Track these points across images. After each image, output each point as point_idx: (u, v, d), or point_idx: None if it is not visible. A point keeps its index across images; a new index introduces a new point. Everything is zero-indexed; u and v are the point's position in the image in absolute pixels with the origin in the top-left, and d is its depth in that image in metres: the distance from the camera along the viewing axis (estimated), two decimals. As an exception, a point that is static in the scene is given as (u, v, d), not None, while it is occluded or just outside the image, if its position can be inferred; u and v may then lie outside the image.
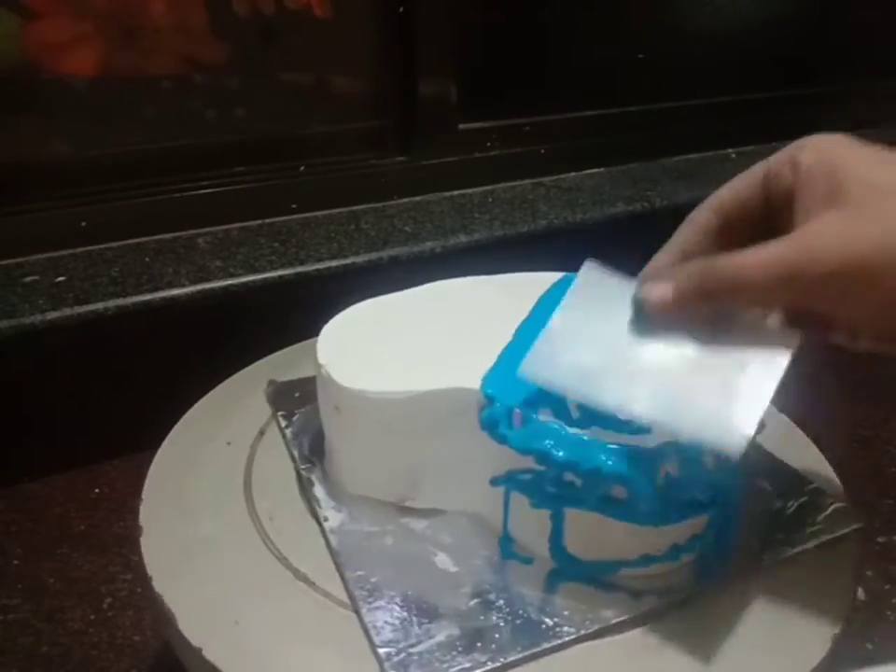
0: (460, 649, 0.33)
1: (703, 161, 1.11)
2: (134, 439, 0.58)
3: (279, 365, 0.55)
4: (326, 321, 0.45)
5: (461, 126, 0.96)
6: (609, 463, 0.33)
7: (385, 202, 0.92)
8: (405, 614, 0.34)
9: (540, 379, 0.34)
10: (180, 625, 0.34)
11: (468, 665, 0.32)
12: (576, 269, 0.52)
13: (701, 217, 0.35)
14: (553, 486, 0.34)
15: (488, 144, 0.98)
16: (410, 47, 0.88)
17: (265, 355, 0.56)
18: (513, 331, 0.42)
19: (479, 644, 0.33)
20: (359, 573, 0.36)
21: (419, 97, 0.91)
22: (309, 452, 0.44)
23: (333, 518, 0.40)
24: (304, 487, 0.42)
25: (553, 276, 0.47)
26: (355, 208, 0.90)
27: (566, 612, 0.34)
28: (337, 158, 0.91)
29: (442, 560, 0.37)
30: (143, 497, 0.42)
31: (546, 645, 0.33)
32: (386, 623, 0.34)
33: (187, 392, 0.50)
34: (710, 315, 0.32)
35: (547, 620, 0.34)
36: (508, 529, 0.38)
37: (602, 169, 1.05)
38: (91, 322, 0.67)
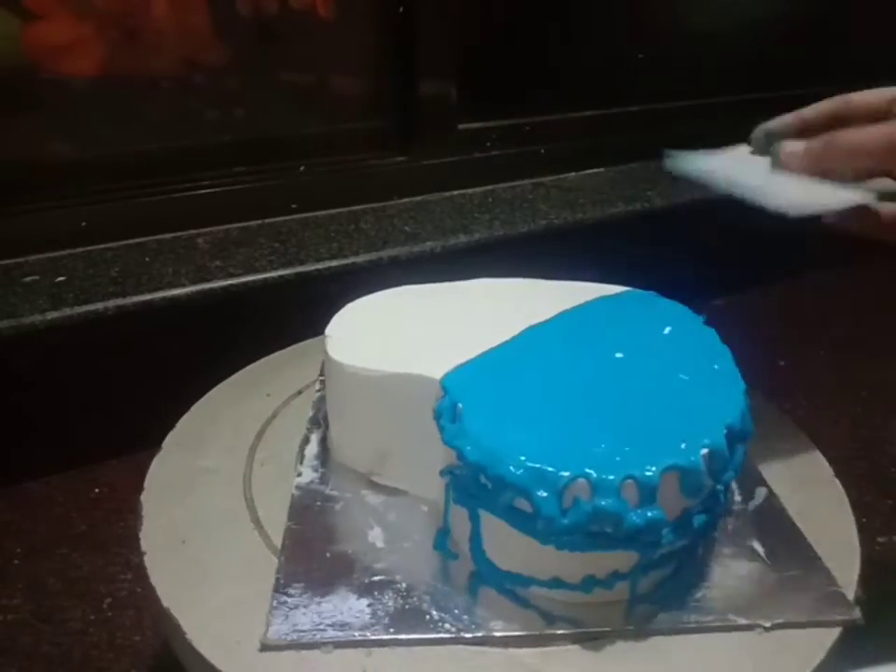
0: (339, 618, 0.34)
1: (703, 161, 1.11)
2: (134, 439, 0.59)
3: (279, 365, 0.55)
4: (326, 321, 0.45)
5: (461, 126, 0.96)
6: (516, 473, 0.32)
7: (385, 202, 0.92)
8: (314, 574, 0.36)
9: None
10: (179, 625, 0.34)
11: (335, 634, 0.33)
12: (576, 269, 0.52)
13: (832, 104, 0.44)
14: (470, 485, 0.34)
15: (488, 144, 0.98)
16: (410, 47, 0.88)
17: (265, 354, 0.56)
18: (510, 334, 0.42)
19: (357, 617, 0.34)
20: (296, 526, 0.39)
21: (419, 97, 0.91)
22: (322, 416, 0.47)
23: (306, 475, 0.43)
24: (300, 446, 0.45)
25: (613, 289, 0.48)
26: (355, 208, 0.90)
27: (456, 611, 0.35)
28: (337, 158, 0.91)
29: (375, 534, 0.39)
30: (143, 497, 0.42)
31: (416, 635, 0.33)
32: (296, 574, 0.36)
33: (187, 392, 0.50)
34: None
35: (435, 612, 0.35)
36: (448, 521, 0.38)
37: (602, 169, 1.05)
38: (91, 322, 0.67)
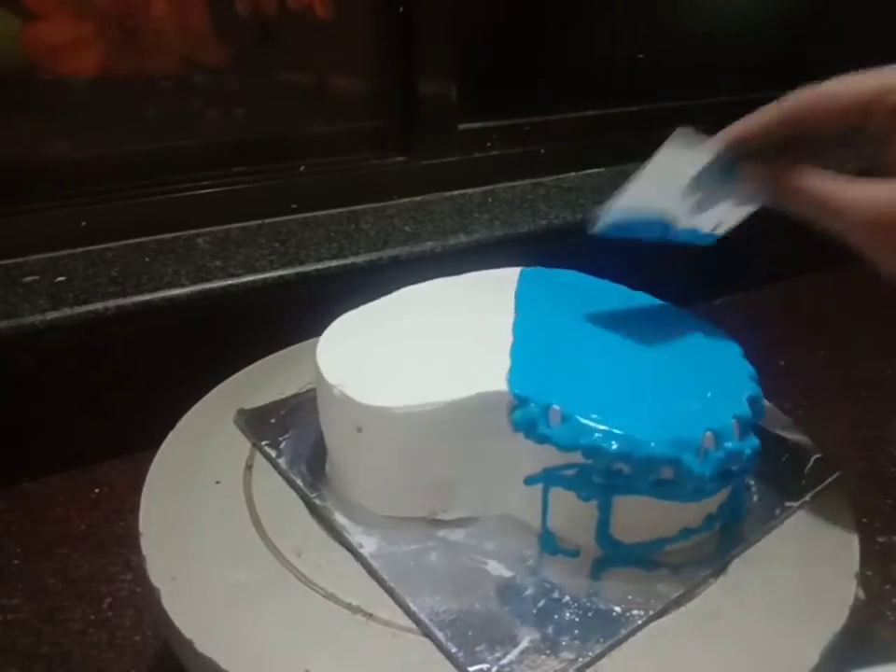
0: (547, 652, 0.33)
1: (703, 161, 1.11)
2: (134, 439, 0.59)
3: (280, 365, 0.55)
4: (326, 321, 0.45)
5: (461, 126, 0.96)
6: (661, 449, 0.34)
7: (385, 202, 0.92)
8: (488, 635, 0.33)
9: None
10: (179, 625, 0.34)
11: (559, 665, 0.32)
12: (576, 269, 0.52)
13: (794, 105, 0.40)
14: (601, 478, 0.35)
15: (488, 144, 0.98)
16: (410, 47, 0.88)
17: (265, 354, 0.56)
18: (508, 330, 0.42)
19: (563, 642, 0.33)
20: (424, 601, 0.35)
21: (419, 97, 0.91)
22: (312, 479, 0.43)
23: (368, 543, 0.38)
24: (322, 518, 0.40)
25: (513, 272, 0.50)
26: (355, 208, 0.90)
27: (629, 597, 0.35)
28: (337, 158, 0.91)
29: (495, 567, 0.37)
30: (143, 497, 0.42)
31: (624, 631, 0.34)
32: (465, 642, 0.33)
33: (187, 392, 0.50)
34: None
35: (615, 607, 0.35)
36: (548, 526, 0.38)
37: (602, 169, 1.05)
38: (91, 322, 0.67)
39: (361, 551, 0.38)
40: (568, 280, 0.51)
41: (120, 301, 0.68)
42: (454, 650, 0.32)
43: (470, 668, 0.32)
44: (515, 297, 0.46)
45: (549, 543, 0.38)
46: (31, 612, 0.55)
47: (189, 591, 0.36)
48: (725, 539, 0.39)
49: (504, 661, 0.32)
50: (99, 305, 0.67)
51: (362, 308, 0.46)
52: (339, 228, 0.85)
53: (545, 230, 0.87)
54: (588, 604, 0.35)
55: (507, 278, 0.49)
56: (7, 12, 0.72)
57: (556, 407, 0.35)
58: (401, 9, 0.87)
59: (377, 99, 0.93)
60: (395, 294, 0.47)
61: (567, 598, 0.35)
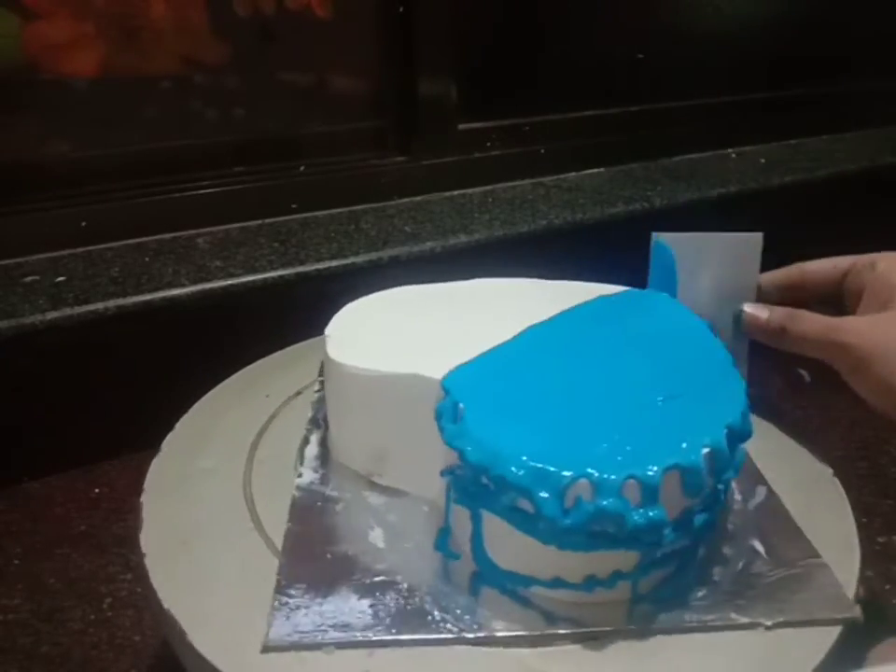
0: (341, 618, 0.34)
1: (703, 161, 1.11)
2: (134, 439, 0.58)
3: (279, 365, 0.55)
4: (326, 321, 0.45)
5: (461, 126, 0.96)
6: (518, 473, 0.32)
7: (385, 202, 0.92)
8: (315, 575, 0.36)
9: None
10: (179, 625, 0.34)
11: (337, 635, 0.33)
12: (576, 269, 0.52)
13: (787, 273, 0.48)
14: (472, 486, 0.34)
15: (488, 144, 0.98)
16: (410, 47, 0.88)
17: (265, 354, 0.56)
18: (508, 334, 0.42)
19: (359, 618, 0.34)
20: (297, 527, 0.39)
21: (419, 97, 0.91)
22: (322, 417, 0.47)
23: (307, 476, 0.43)
24: (300, 447, 0.45)
25: (612, 289, 0.49)
26: (355, 208, 0.90)
27: (458, 611, 0.34)
28: (337, 158, 0.91)
29: (376, 535, 0.39)
30: (143, 497, 0.42)
31: (418, 635, 0.33)
32: (297, 575, 0.36)
33: (187, 392, 0.50)
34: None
35: (437, 613, 0.34)
36: (448, 521, 0.38)
37: (602, 169, 1.05)
38: (91, 322, 0.67)
39: (297, 479, 0.42)
40: (652, 307, 0.47)
41: (120, 301, 0.68)
42: (281, 578, 0.36)
43: (277, 594, 0.35)
44: (574, 309, 0.45)
45: (442, 539, 0.38)
46: (31, 612, 0.55)
47: (189, 591, 0.36)
48: (633, 616, 0.34)
49: (302, 606, 0.35)
50: (99, 305, 0.67)
51: (416, 287, 0.49)
52: (339, 228, 0.85)
53: (545, 230, 0.87)
54: (417, 599, 0.35)
55: (600, 291, 0.48)
56: (7, 11, 0.72)
57: (462, 405, 0.35)
58: (401, 9, 0.87)
59: (377, 99, 0.93)
60: (467, 282, 0.49)
61: (405, 586, 0.36)
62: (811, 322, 0.43)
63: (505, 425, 0.35)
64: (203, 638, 0.34)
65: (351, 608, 0.34)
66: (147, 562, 0.38)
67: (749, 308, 0.47)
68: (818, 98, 1.22)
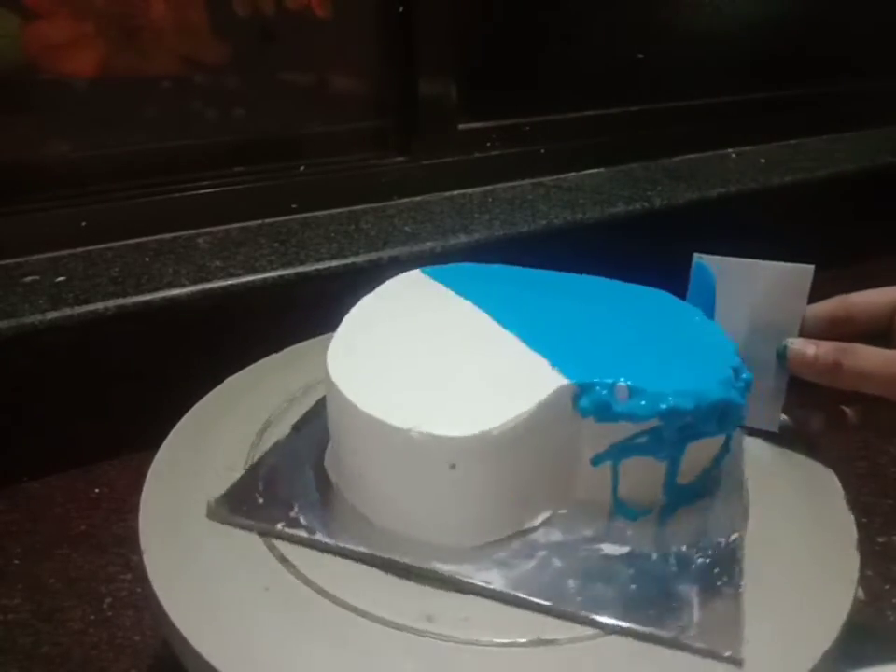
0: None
1: (703, 161, 1.11)
2: (134, 439, 0.59)
3: (280, 365, 0.55)
4: (326, 321, 0.45)
5: (461, 126, 0.96)
6: (719, 393, 0.37)
7: (385, 202, 0.92)
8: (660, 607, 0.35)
9: None
10: (179, 626, 0.34)
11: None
12: (576, 269, 0.52)
13: (831, 305, 0.45)
14: (674, 435, 0.37)
15: (488, 144, 0.98)
16: (410, 47, 0.88)
17: (265, 355, 0.56)
18: (498, 327, 0.43)
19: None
20: (602, 609, 0.35)
21: (419, 97, 0.91)
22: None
23: (492, 578, 0.36)
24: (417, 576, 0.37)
25: (416, 275, 0.51)
26: (355, 208, 0.90)
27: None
28: (337, 158, 0.91)
29: (609, 548, 0.39)
30: (143, 497, 0.42)
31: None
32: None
33: (187, 392, 0.50)
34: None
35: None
36: (618, 496, 0.39)
37: (602, 169, 1.05)
38: (91, 322, 0.67)
39: (494, 587, 0.35)
40: (484, 272, 0.50)
41: (120, 301, 0.68)
42: (699, 644, 0.33)
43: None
44: (460, 296, 0.46)
45: (624, 510, 0.39)
46: (31, 612, 0.55)
47: (188, 591, 0.36)
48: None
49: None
50: (99, 305, 0.67)
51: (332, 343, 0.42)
52: (339, 228, 0.85)
53: (545, 230, 0.87)
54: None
55: (420, 283, 0.49)
56: (7, 11, 0.72)
57: (622, 383, 0.36)
58: (401, 9, 0.87)
59: (377, 99, 0.93)
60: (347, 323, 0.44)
61: (683, 548, 0.38)
62: (870, 356, 0.41)
63: (658, 376, 0.38)
64: (202, 639, 0.34)
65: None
66: (147, 561, 0.38)
67: (794, 343, 0.43)
68: (818, 98, 1.22)
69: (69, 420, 0.70)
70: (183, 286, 0.71)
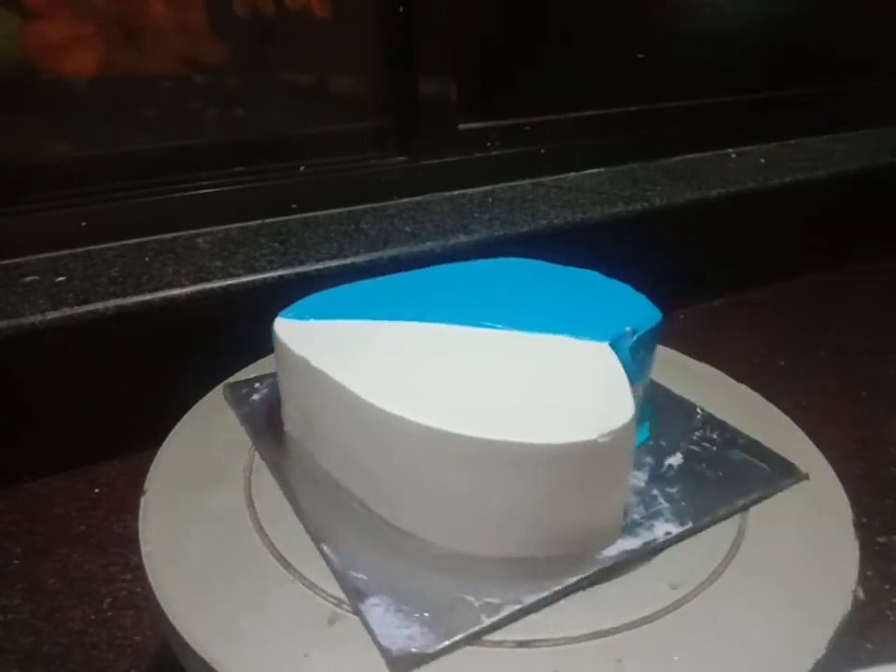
0: None
1: (703, 161, 1.11)
2: (134, 439, 0.59)
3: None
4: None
5: (461, 126, 0.96)
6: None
7: (385, 202, 0.92)
8: None
9: None
10: (178, 626, 0.34)
11: None
12: (576, 268, 0.52)
13: None
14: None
15: (488, 144, 0.98)
16: (410, 47, 0.88)
17: (265, 355, 0.56)
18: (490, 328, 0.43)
19: None
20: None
21: (419, 97, 0.91)
22: None
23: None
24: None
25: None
26: (355, 208, 0.90)
27: None
28: (337, 158, 0.91)
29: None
30: (143, 497, 0.42)
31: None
32: None
33: (187, 392, 0.50)
34: None
35: None
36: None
37: (602, 169, 1.05)
38: (91, 322, 0.67)
39: (686, 524, 0.39)
40: (346, 295, 0.52)
41: (120, 301, 0.68)
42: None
43: None
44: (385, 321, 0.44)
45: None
46: (31, 612, 0.55)
47: (188, 591, 0.36)
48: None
49: None
50: (99, 305, 0.67)
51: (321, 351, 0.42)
52: (339, 228, 0.85)
53: (545, 230, 0.87)
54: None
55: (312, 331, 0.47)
56: (7, 11, 0.72)
57: (629, 329, 0.42)
58: (401, 9, 0.87)
59: (377, 99, 0.93)
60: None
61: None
62: None
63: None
64: (202, 639, 0.34)
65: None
66: (147, 561, 0.38)
67: None
68: (818, 98, 1.22)
69: (69, 420, 0.70)
70: (183, 286, 0.71)
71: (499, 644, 0.33)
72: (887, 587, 0.57)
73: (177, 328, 0.71)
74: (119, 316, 0.68)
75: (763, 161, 1.12)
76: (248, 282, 0.73)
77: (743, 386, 0.51)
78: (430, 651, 0.32)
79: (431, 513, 0.37)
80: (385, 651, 0.32)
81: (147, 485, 0.43)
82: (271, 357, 0.55)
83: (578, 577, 0.36)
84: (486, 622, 0.33)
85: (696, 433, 0.46)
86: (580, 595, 0.35)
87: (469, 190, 0.97)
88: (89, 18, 0.76)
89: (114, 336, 0.69)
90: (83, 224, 0.77)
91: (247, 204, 0.85)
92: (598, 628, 0.34)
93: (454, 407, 0.36)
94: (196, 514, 0.41)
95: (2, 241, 0.73)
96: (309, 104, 0.91)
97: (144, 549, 0.38)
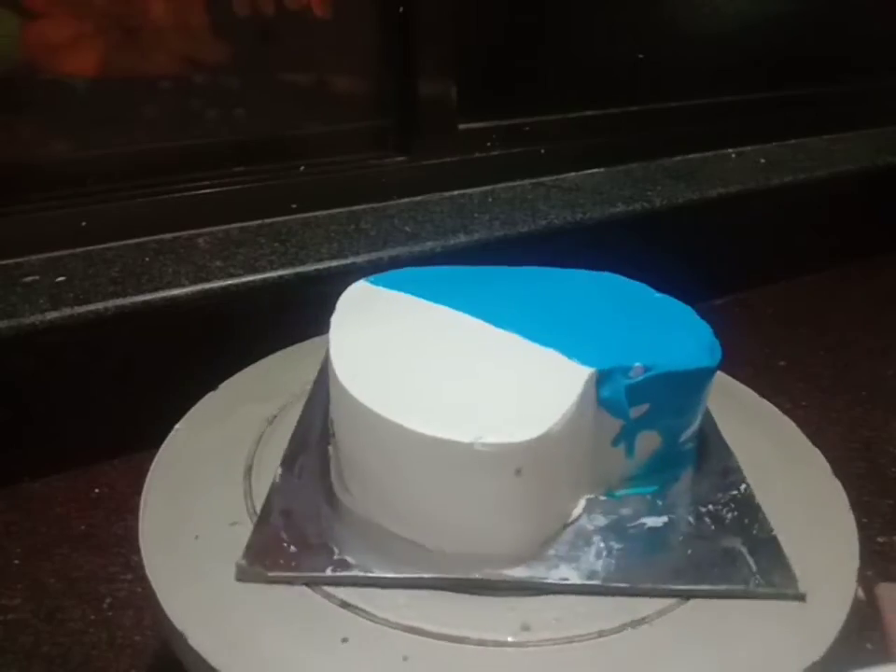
0: None
1: (703, 161, 1.11)
2: (134, 439, 0.59)
3: (280, 365, 0.55)
4: (326, 321, 0.45)
5: (461, 126, 0.96)
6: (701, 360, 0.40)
7: (385, 202, 0.92)
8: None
9: None
10: (178, 626, 0.34)
11: None
12: (576, 268, 0.52)
13: None
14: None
15: (488, 144, 0.98)
16: (410, 47, 0.88)
17: (265, 355, 0.56)
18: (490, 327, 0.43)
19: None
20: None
21: (419, 97, 0.91)
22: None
23: (569, 573, 0.37)
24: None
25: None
26: (355, 208, 0.90)
27: None
28: (337, 158, 0.91)
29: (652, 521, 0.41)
30: (143, 497, 0.42)
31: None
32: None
33: (187, 392, 0.50)
34: None
35: None
36: (636, 470, 0.41)
37: (602, 169, 1.05)
38: (91, 322, 0.67)
39: (572, 582, 0.36)
40: (429, 275, 0.50)
41: (120, 301, 0.68)
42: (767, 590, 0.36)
43: None
44: (429, 302, 0.45)
45: (642, 480, 0.41)
46: (31, 612, 0.55)
47: (188, 591, 0.36)
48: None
49: None
50: (99, 305, 0.67)
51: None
52: (339, 228, 0.85)
53: (545, 230, 0.87)
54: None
55: (378, 294, 0.48)
56: (7, 11, 0.72)
57: (638, 365, 0.38)
58: (401, 9, 0.87)
59: (377, 99, 0.93)
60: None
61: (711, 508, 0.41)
62: None
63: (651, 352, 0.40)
64: (202, 638, 0.34)
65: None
66: (147, 561, 0.38)
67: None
68: (818, 98, 1.22)
69: (69, 420, 0.70)
70: (183, 286, 0.71)
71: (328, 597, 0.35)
72: (887, 587, 0.57)
73: (177, 328, 0.71)
74: (119, 316, 0.68)
75: (763, 160, 1.12)
76: (248, 282, 0.73)
77: (743, 386, 0.51)
78: (271, 574, 0.36)
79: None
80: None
81: (146, 485, 0.43)
82: (271, 357, 0.55)
83: (436, 575, 0.36)
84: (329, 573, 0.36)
85: (710, 506, 0.41)
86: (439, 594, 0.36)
87: (469, 190, 0.97)
88: (89, 18, 0.76)
89: (114, 336, 0.69)
90: (83, 224, 0.77)
91: (247, 204, 0.85)
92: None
93: (423, 404, 0.37)
94: (196, 514, 0.41)
95: (2, 241, 0.73)
96: (309, 104, 0.91)
97: (144, 549, 0.38)
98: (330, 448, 0.43)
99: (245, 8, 0.81)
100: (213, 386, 0.52)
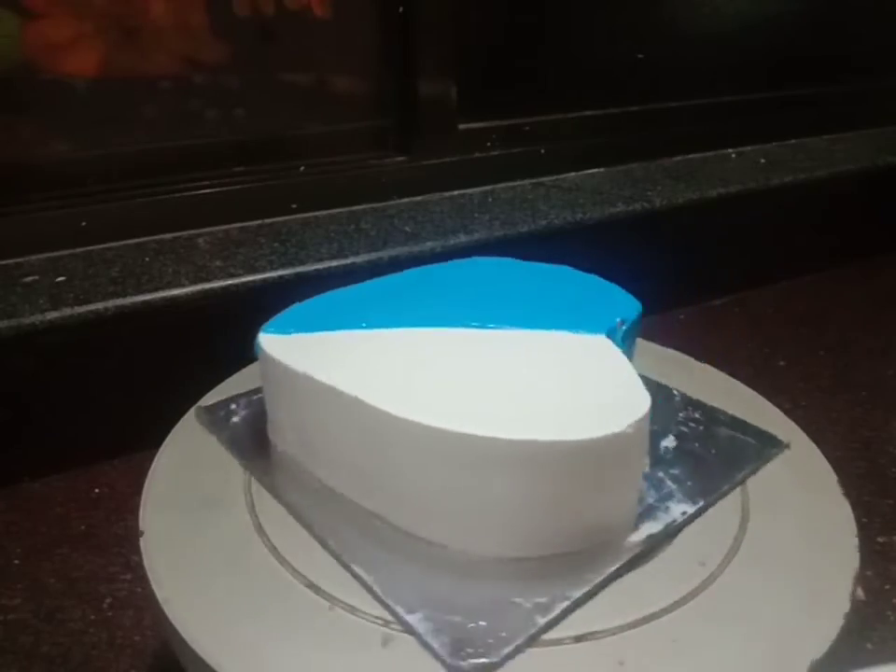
0: None
1: (703, 161, 1.11)
2: (134, 439, 0.59)
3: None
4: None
5: (461, 126, 0.96)
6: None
7: (385, 202, 0.92)
8: None
9: None
10: (179, 627, 0.34)
11: None
12: (576, 268, 0.52)
13: None
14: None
15: (488, 144, 0.98)
16: (410, 47, 0.88)
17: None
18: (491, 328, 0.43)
19: None
20: None
21: (419, 97, 0.91)
22: None
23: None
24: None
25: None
26: (355, 208, 0.90)
27: None
28: (337, 158, 0.91)
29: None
30: (143, 497, 0.42)
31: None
32: None
33: (187, 392, 0.50)
34: None
35: None
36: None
37: (602, 169, 1.05)
38: (91, 322, 0.67)
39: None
40: (331, 303, 0.52)
41: (120, 301, 0.68)
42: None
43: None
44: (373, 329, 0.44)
45: None
46: (31, 612, 0.55)
47: (188, 591, 0.36)
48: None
49: None
50: (99, 305, 0.67)
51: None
52: (339, 228, 0.85)
53: (545, 230, 0.87)
54: None
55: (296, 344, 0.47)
56: (7, 11, 0.72)
57: (619, 320, 0.43)
58: (401, 9, 0.87)
59: (377, 99, 0.93)
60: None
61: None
62: None
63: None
64: (202, 638, 0.34)
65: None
66: (147, 561, 0.38)
67: None
68: (818, 98, 1.22)
69: (69, 420, 0.70)
70: (183, 286, 0.71)
71: (558, 642, 0.33)
72: (887, 587, 0.57)
73: (177, 328, 0.71)
74: (119, 316, 0.68)
75: (763, 160, 1.12)
76: (248, 282, 0.73)
77: (743, 386, 0.51)
78: (497, 658, 0.31)
79: (460, 521, 0.37)
80: (453, 668, 0.31)
81: (146, 485, 0.43)
82: (238, 375, 0.55)
83: (616, 566, 0.36)
84: (541, 621, 0.33)
85: (680, 414, 0.47)
86: (616, 583, 0.36)
87: (469, 190, 0.97)
88: (89, 18, 0.76)
89: (114, 336, 0.69)
90: (83, 224, 0.77)
91: (247, 204, 0.85)
92: (649, 611, 0.34)
93: (475, 410, 0.36)
94: (196, 514, 0.41)
95: (2, 241, 0.73)
96: (309, 103, 0.91)
97: (144, 549, 0.38)
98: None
99: (245, 8, 0.81)
100: (213, 386, 0.52)
